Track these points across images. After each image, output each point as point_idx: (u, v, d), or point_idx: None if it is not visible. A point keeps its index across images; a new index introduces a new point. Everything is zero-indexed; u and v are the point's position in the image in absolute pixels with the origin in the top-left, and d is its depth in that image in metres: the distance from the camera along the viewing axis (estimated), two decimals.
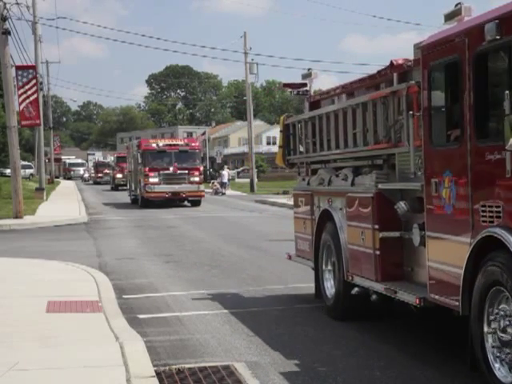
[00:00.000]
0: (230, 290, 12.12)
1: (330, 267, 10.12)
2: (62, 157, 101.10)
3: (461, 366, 7.34)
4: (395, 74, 8.46)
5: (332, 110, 10.08)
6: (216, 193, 49.40)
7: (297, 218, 11.50)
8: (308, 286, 12.29)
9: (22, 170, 40.19)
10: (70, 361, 7.14)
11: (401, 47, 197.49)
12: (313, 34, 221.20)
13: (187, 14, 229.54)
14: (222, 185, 51.56)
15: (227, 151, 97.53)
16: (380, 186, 8.50)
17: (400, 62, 8.29)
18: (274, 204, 37.98)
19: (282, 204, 37.13)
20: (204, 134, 74.01)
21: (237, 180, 73.94)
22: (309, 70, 11.65)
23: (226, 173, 53.81)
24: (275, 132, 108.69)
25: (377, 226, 8.37)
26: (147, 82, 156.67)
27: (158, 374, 6.98)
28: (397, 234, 8.29)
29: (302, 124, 11.26)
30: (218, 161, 72.17)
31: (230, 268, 14.75)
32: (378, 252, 8.37)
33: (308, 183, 11.04)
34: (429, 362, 7.57)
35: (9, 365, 6.89)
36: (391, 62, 8.37)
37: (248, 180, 58.19)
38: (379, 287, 8.35)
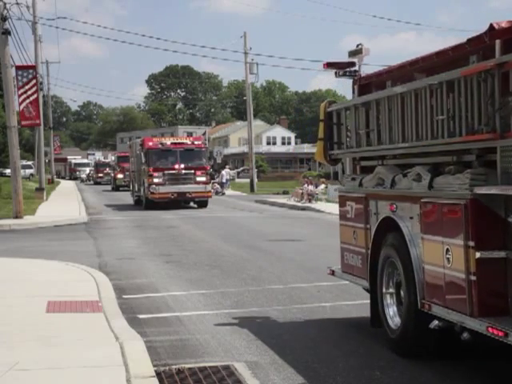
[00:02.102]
0: (230, 290, 12.11)
1: (392, 289, 8.22)
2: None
3: (460, 368, 7.35)
4: (498, 42, 6.45)
5: (398, 93, 7.95)
6: (216, 193, 49.39)
7: (344, 225, 9.50)
8: (308, 286, 12.30)
9: (22, 170, 40.18)
10: (70, 361, 7.14)
11: (401, 46, 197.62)
12: (313, 34, 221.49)
13: (187, 14, 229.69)
14: (222, 185, 51.50)
15: (227, 151, 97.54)
16: (477, 190, 6.44)
17: (504, 25, 6.41)
18: (273, 204, 37.99)
19: (282, 204, 37.18)
20: (204, 134, 74.06)
21: (237, 180, 73.97)
22: (358, 45, 9.73)
23: (224, 173, 53.67)
24: (275, 132, 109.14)
25: (472, 243, 6.39)
26: (147, 82, 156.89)
27: (157, 374, 6.98)
28: (501, 254, 6.34)
29: (352, 111, 9.21)
30: (218, 161, 72.18)
31: (230, 268, 14.74)
32: (473, 277, 6.40)
33: (360, 184, 9.02)
34: (429, 362, 7.56)
35: (9, 365, 6.89)
36: (491, 25, 6.51)
37: (248, 180, 58.22)
38: (477, 325, 6.33)
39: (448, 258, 6.73)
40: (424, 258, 7.24)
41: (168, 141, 35.51)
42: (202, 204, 35.15)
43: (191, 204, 36.04)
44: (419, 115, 7.47)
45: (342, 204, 9.64)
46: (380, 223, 8.25)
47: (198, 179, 34.19)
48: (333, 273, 9.95)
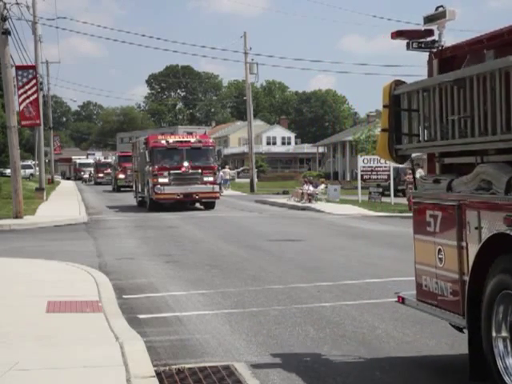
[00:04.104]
0: (230, 290, 12.11)
1: (506, 333, 6.00)
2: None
3: (460, 368, 7.35)
4: None
5: None
6: None
7: (422, 241, 7.22)
8: (308, 286, 12.31)
9: (22, 170, 40.20)
10: (70, 361, 7.13)
11: (400, 46, 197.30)
12: (313, 34, 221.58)
13: (187, 14, 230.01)
14: (219, 186, 50.93)
15: (227, 151, 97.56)
16: None
17: None
18: (273, 204, 38.02)
19: (282, 204, 37.20)
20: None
21: (237, 180, 74.06)
22: (438, 7, 7.37)
23: (222, 173, 53.31)
24: (275, 132, 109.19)
25: None
26: (147, 82, 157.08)
27: (157, 374, 6.98)
28: None
29: (434, 93, 6.94)
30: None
31: (229, 268, 14.74)
32: None
33: (449, 188, 6.81)
34: (429, 363, 7.57)
35: (9, 365, 6.89)
36: None
37: (248, 180, 58.26)
38: None
39: None
40: None
41: (174, 139, 33.74)
42: (209, 205, 33.54)
43: (197, 205, 34.79)
44: None
45: (418, 213, 7.38)
46: (487, 241, 6.03)
47: (206, 179, 32.51)
48: (403, 301, 7.71)
